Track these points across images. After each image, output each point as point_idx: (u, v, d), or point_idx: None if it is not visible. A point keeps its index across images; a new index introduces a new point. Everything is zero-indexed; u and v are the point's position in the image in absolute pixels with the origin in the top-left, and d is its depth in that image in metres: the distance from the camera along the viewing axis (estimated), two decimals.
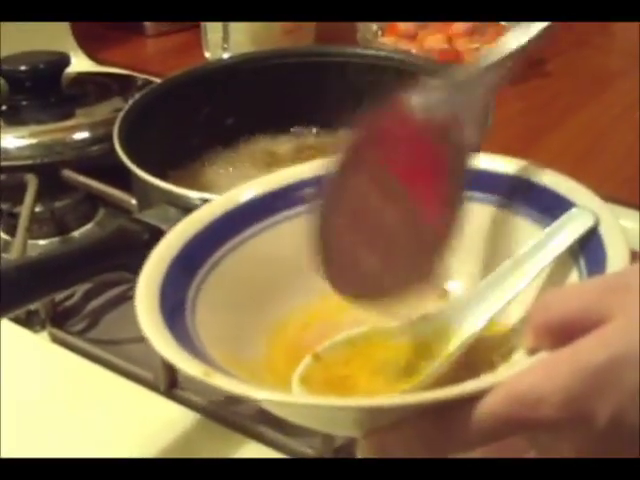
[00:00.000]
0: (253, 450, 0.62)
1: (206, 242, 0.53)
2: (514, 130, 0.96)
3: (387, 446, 0.43)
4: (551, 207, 0.52)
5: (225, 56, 1.02)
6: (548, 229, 0.51)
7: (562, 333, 0.40)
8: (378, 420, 0.42)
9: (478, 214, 0.54)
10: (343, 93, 0.78)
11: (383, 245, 0.49)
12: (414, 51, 1.02)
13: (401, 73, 0.77)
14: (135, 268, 0.62)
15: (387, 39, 1.05)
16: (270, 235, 0.55)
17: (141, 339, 0.71)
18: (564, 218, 0.50)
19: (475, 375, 0.43)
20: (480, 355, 0.49)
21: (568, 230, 0.50)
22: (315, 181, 0.53)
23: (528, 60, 0.69)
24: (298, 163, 0.74)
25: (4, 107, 0.89)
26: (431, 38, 1.03)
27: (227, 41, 1.01)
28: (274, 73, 0.79)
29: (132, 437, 0.64)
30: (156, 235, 0.62)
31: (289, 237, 0.55)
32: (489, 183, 0.54)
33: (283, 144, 0.80)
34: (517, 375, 0.40)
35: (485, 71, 0.53)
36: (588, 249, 0.49)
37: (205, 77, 0.79)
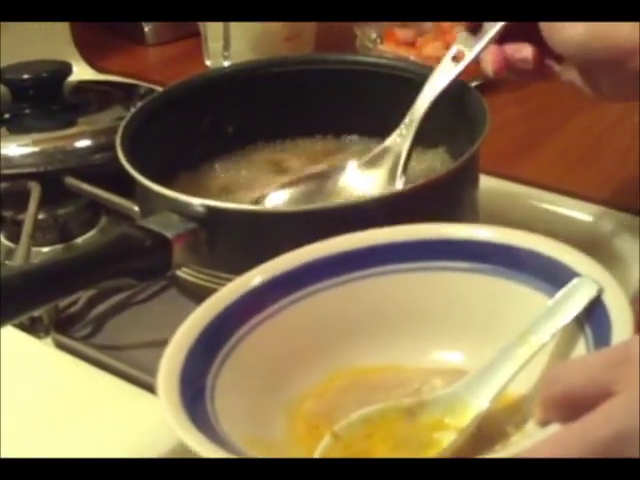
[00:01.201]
0: None
1: (223, 326, 0.55)
2: (512, 134, 0.97)
3: None
4: (553, 275, 0.53)
5: (226, 64, 1.03)
6: (552, 300, 0.52)
7: (569, 406, 0.43)
8: None
9: (480, 284, 0.56)
10: (344, 100, 0.79)
11: None
12: (413, 58, 1.03)
13: (399, 80, 0.78)
14: (138, 274, 0.64)
15: (386, 46, 1.06)
16: (285, 316, 0.57)
17: (142, 344, 0.73)
18: (568, 288, 0.52)
19: (490, 446, 0.45)
20: (494, 426, 0.51)
21: (573, 301, 0.52)
22: (329, 260, 0.56)
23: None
24: (304, 169, 0.76)
25: (7, 115, 0.90)
26: (430, 45, 1.04)
27: (228, 49, 1.02)
28: (275, 81, 0.80)
29: (134, 438, 0.65)
30: (158, 241, 0.63)
31: (304, 317, 0.57)
32: (491, 254, 0.56)
33: (286, 152, 0.81)
34: (532, 448, 0.42)
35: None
36: (593, 318, 0.51)
37: (206, 85, 0.79)
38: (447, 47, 1.04)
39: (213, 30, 1.04)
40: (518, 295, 0.55)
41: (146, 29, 1.21)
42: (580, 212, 0.83)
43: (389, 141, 0.72)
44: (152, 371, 0.68)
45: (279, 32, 1.03)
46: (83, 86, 0.97)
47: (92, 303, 0.77)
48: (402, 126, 0.72)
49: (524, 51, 0.69)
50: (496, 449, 0.45)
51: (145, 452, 0.63)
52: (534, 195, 0.86)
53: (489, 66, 0.70)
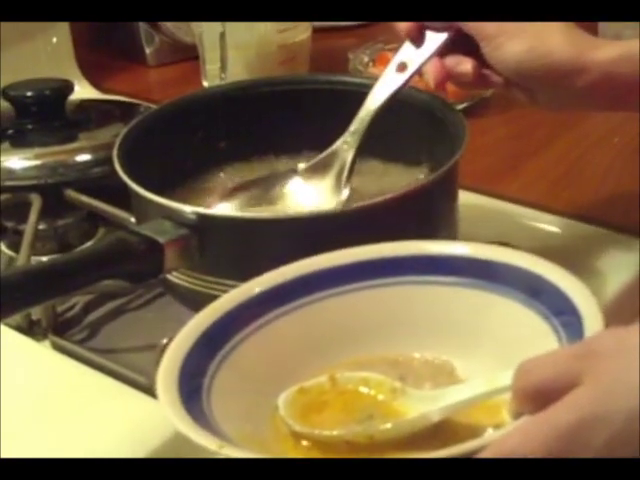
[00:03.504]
0: None
1: (223, 330, 0.58)
2: (498, 154, 1.00)
3: None
4: (528, 285, 0.57)
5: None
6: None
7: (539, 398, 0.45)
8: None
9: (461, 297, 0.60)
10: (334, 118, 0.81)
11: None
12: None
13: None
14: (131, 276, 0.67)
15: (377, 69, 1.08)
16: (280, 325, 0.60)
17: (137, 348, 0.75)
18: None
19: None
20: (472, 428, 0.53)
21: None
22: (321, 274, 0.60)
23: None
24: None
25: (10, 131, 0.93)
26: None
27: (224, 71, 1.05)
28: (266, 99, 0.83)
29: (129, 438, 0.67)
30: (151, 246, 0.66)
31: (294, 327, 0.60)
32: (470, 268, 0.60)
33: (277, 168, 0.83)
34: (501, 438, 0.45)
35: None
36: (565, 319, 0.54)
37: (199, 103, 0.83)
38: None
39: (210, 53, 1.06)
40: (497, 305, 0.58)
41: (147, 51, 1.24)
42: (559, 228, 0.86)
43: (334, 147, 0.75)
44: (146, 373, 0.71)
45: (274, 55, 1.06)
46: (85, 104, 1.00)
47: (89, 308, 0.80)
48: (347, 134, 0.74)
49: (464, 64, 0.72)
50: (469, 442, 0.47)
51: (139, 451, 0.66)
52: (517, 212, 0.89)
53: (431, 78, 0.73)
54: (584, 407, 0.44)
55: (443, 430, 0.53)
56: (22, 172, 0.87)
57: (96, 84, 1.20)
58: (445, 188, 0.72)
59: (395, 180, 0.77)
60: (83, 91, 1.15)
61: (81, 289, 0.65)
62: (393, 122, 0.76)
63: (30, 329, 0.77)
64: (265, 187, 0.77)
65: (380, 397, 0.55)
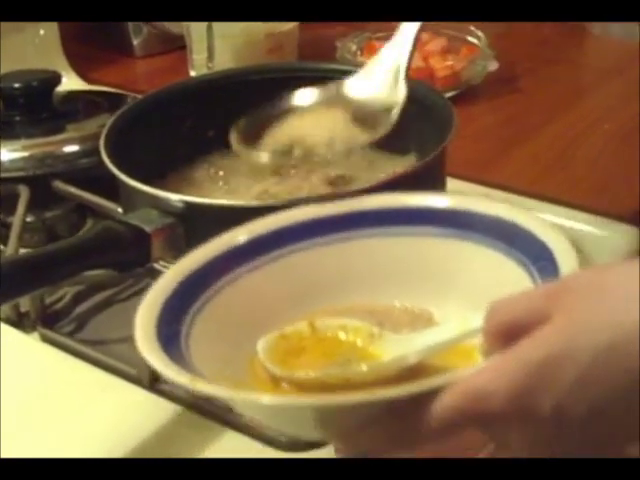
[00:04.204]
0: (231, 438, 0.65)
1: (201, 279, 0.58)
2: (487, 142, 1.00)
3: (357, 445, 0.48)
4: (505, 234, 0.57)
5: None
6: None
7: (509, 336, 0.45)
8: (343, 416, 0.47)
9: (439, 246, 0.60)
10: None
11: None
12: None
13: None
14: (119, 265, 0.66)
15: (366, 58, 1.08)
16: (259, 274, 0.60)
17: (125, 339, 0.75)
18: None
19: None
20: (447, 372, 0.52)
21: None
22: (303, 225, 0.60)
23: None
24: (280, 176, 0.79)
25: None
26: None
27: (212, 61, 1.05)
28: (254, 87, 0.82)
29: (118, 428, 0.67)
30: (138, 235, 0.66)
31: (277, 276, 0.60)
32: (447, 219, 0.60)
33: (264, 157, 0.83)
34: (471, 374, 0.44)
35: None
36: (540, 261, 0.54)
37: (187, 91, 0.83)
38: (425, 59, 1.08)
39: (197, 43, 1.06)
40: (474, 254, 0.58)
41: (135, 42, 1.24)
42: (550, 214, 0.85)
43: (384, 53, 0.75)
44: (132, 363, 0.71)
45: (262, 44, 1.06)
46: (72, 95, 1.00)
47: (78, 300, 0.80)
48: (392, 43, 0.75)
49: None
50: (439, 376, 0.47)
51: (129, 441, 0.66)
52: (507, 199, 0.88)
53: None
54: (552, 344, 0.43)
55: (419, 374, 0.52)
56: (10, 164, 0.87)
57: (84, 75, 1.19)
58: (433, 175, 0.72)
59: (383, 168, 0.77)
60: (71, 82, 1.14)
61: (68, 279, 0.65)
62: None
63: (19, 321, 0.78)
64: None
65: (358, 342, 0.56)
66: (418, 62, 1.07)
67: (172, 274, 0.57)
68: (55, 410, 0.70)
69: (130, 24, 1.23)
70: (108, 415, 0.69)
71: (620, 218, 0.85)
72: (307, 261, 0.61)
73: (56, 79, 0.94)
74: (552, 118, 1.03)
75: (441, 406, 0.45)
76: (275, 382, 0.55)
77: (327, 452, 0.62)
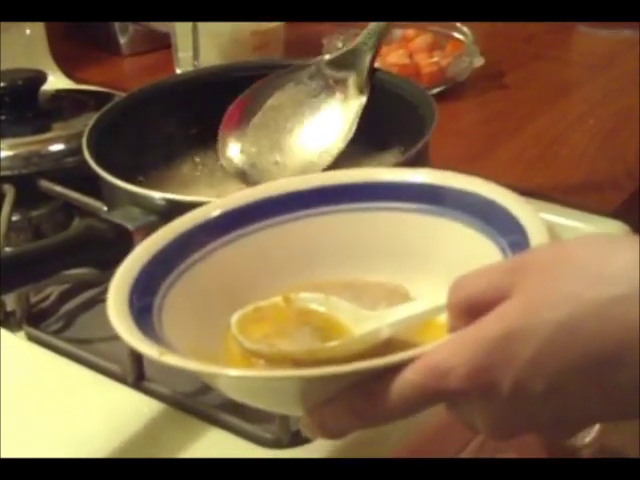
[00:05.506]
0: (216, 436, 0.66)
1: (175, 252, 0.58)
2: (473, 138, 1.01)
3: (322, 421, 0.48)
4: (480, 210, 0.57)
5: None
6: None
7: (471, 311, 0.45)
8: (307, 390, 0.47)
9: (414, 222, 0.60)
10: None
11: None
12: (377, 65, 1.06)
13: None
14: (101, 263, 0.66)
15: None
16: (234, 248, 0.60)
17: (111, 337, 0.75)
18: None
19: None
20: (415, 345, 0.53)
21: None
22: (276, 200, 0.60)
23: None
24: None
25: None
26: (393, 54, 1.07)
27: (197, 59, 1.05)
28: (237, 85, 0.82)
29: (103, 426, 0.67)
30: (121, 233, 0.66)
31: (252, 250, 0.60)
32: (422, 194, 0.60)
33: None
34: (432, 350, 0.45)
35: None
36: (510, 236, 0.54)
37: (169, 89, 0.83)
38: (410, 55, 1.09)
39: (183, 41, 1.06)
40: (448, 229, 0.59)
41: (121, 41, 1.24)
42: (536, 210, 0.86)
43: (355, 46, 0.78)
44: (117, 361, 0.71)
45: (248, 41, 1.06)
46: (58, 94, 1.00)
47: (63, 299, 0.80)
48: (365, 34, 0.78)
49: None
50: (402, 352, 0.46)
51: (115, 440, 0.66)
52: None
53: None
54: (511, 319, 0.43)
55: (390, 349, 0.52)
56: None
57: (70, 74, 1.19)
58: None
59: (366, 163, 0.77)
60: (57, 81, 1.15)
61: (51, 276, 0.65)
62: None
63: (5, 320, 0.78)
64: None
65: (333, 315, 0.55)
66: (404, 59, 1.07)
67: (145, 247, 0.57)
68: (40, 409, 0.70)
69: (116, 23, 1.23)
70: (93, 413, 0.69)
71: (606, 213, 0.85)
72: (282, 236, 0.61)
73: (41, 78, 0.94)
74: (538, 114, 1.03)
75: (402, 381, 0.45)
76: (247, 357, 0.54)
77: (311, 450, 0.62)
